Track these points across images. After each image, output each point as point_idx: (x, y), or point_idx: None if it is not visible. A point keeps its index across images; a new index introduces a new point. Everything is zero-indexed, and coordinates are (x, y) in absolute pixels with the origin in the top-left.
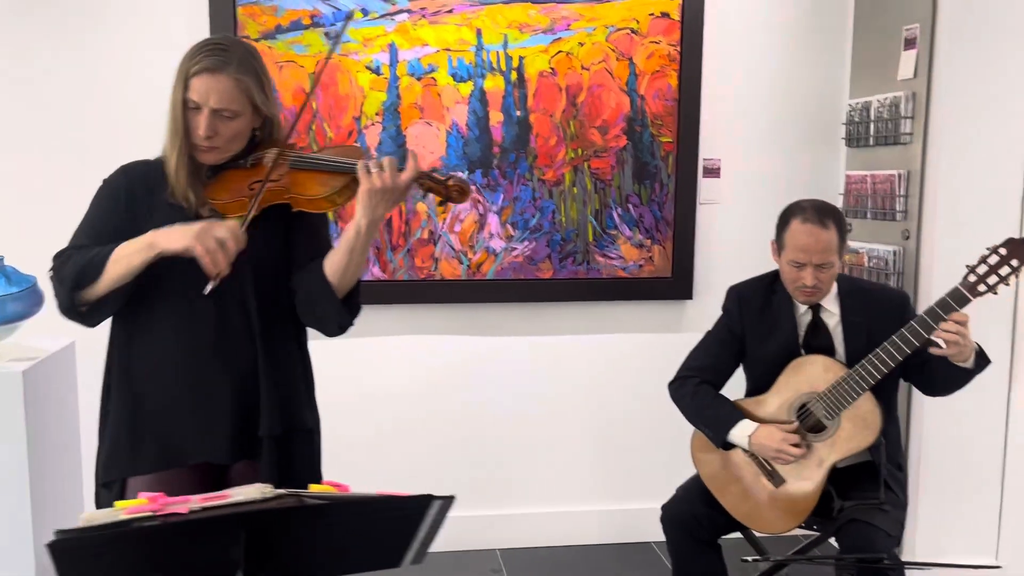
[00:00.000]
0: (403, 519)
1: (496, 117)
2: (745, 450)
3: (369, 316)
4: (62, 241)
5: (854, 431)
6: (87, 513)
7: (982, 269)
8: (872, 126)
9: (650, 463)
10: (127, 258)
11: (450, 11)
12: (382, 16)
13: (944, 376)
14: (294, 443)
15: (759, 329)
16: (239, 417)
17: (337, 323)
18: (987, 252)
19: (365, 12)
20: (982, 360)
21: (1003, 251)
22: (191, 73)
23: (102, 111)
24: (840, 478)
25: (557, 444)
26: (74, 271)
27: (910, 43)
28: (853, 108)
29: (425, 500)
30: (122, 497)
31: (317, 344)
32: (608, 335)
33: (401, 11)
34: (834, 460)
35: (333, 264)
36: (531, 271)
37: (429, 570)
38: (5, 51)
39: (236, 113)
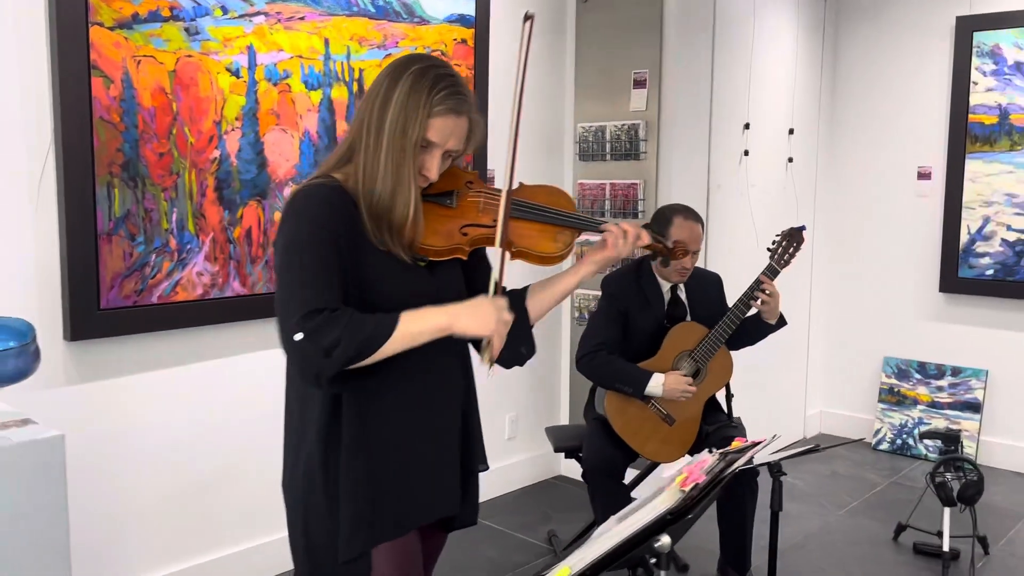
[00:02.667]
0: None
1: (342, 126)
2: (649, 400)
3: (236, 332)
4: None
5: (717, 374)
6: None
7: (779, 251)
8: (608, 145)
9: None
10: (415, 337)
11: (302, 18)
12: (241, 16)
13: (753, 331)
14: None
15: (636, 306)
16: (463, 462)
17: (529, 357)
18: (775, 239)
19: (225, 10)
20: (782, 321)
21: (781, 239)
22: (434, 112)
23: None
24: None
25: None
26: (352, 349)
27: (640, 83)
28: (586, 130)
29: None
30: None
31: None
32: None
33: (259, 13)
34: (707, 396)
35: (540, 307)
36: None
37: None
38: None
39: (460, 152)
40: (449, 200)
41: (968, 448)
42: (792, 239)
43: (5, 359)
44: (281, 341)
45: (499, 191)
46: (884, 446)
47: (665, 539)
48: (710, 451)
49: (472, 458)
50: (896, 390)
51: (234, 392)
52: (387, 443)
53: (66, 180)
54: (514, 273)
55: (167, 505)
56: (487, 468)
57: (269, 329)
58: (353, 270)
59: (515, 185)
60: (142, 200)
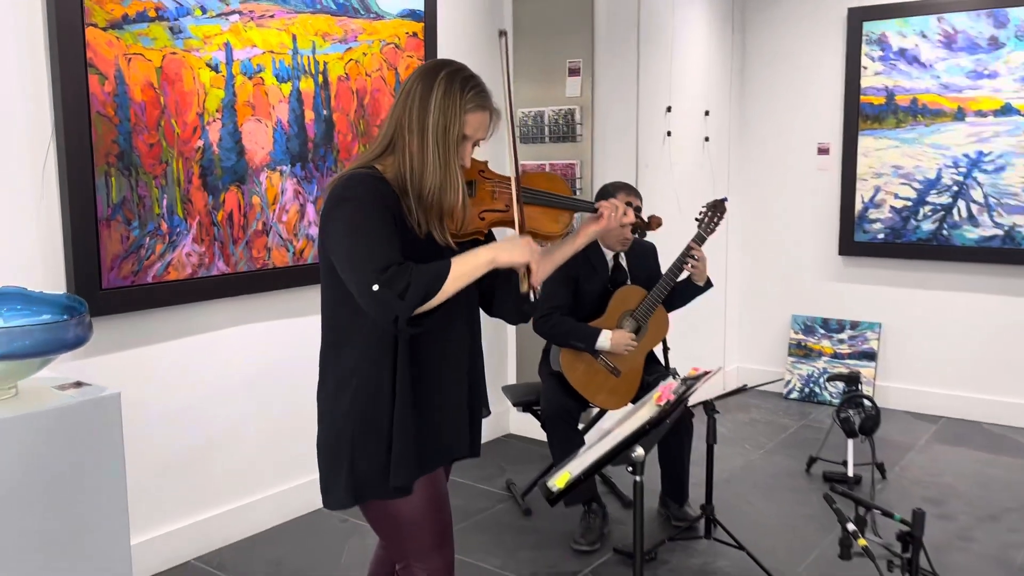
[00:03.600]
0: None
1: (309, 115)
2: (598, 354)
3: (222, 307)
4: None
5: (656, 330)
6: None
7: (705, 220)
8: (547, 128)
9: None
10: (469, 275)
11: (272, 16)
12: (218, 15)
13: (685, 293)
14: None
15: (584, 273)
16: (470, 404)
17: (530, 317)
18: (702, 210)
19: (204, 9)
20: (709, 283)
21: (707, 210)
22: (467, 109)
23: None
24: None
25: None
26: (421, 291)
27: (574, 72)
28: (526, 115)
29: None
30: (408, 493)
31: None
32: None
33: (233, 11)
34: (647, 350)
35: (543, 272)
36: None
37: None
38: None
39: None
40: (470, 191)
41: (866, 391)
42: (716, 209)
43: (68, 328)
44: (360, 295)
45: (507, 179)
46: (794, 395)
47: (639, 450)
48: (674, 377)
49: (478, 403)
50: (803, 344)
51: (223, 363)
52: (429, 390)
53: (68, 170)
54: None
55: (169, 467)
56: (489, 414)
57: (252, 304)
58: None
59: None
60: (136, 187)
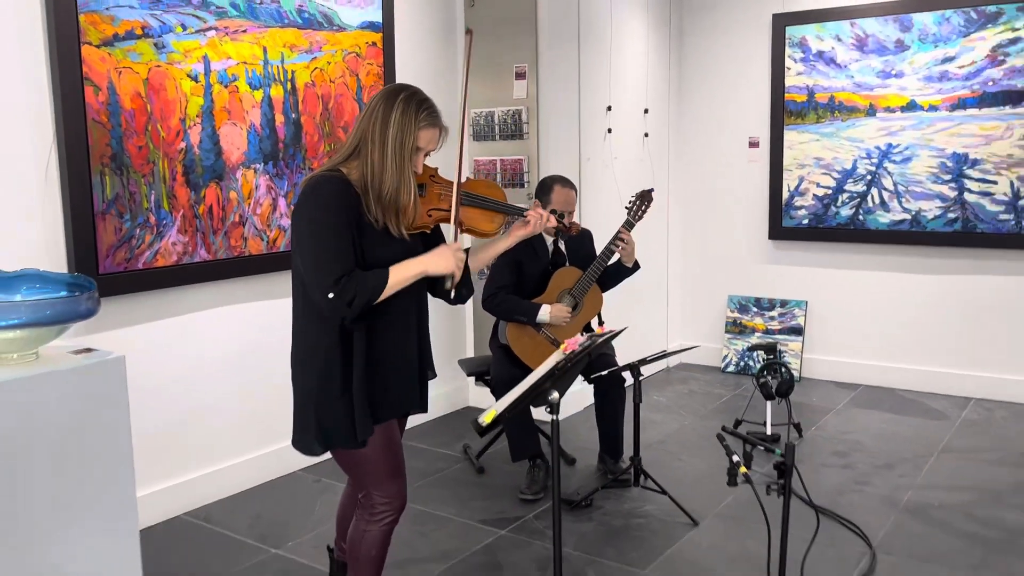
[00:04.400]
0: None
1: (279, 119)
2: (540, 327)
3: (204, 291)
4: None
5: (590, 306)
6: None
7: (634, 209)
8: (497, 127)
9: None
10: (404, 283)
11: (245, 31)
12: (197, 31)
13: (615, 274)
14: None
15: (527, 256)
16: (420, 370)
17: (469, 298)
18: (631, 199)
19: (184, 27)
20: (637, 265)
21: (635, 199)
22: (421, 126)
23: None
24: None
25: None
26: (364, 299)
27: (520, 75)
28: (478, 115)
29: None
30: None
31: (181, 319)
32: None
33: (210, 28)
34: (583, 323)
35: (478, 264)
36: None
37: None
38: None
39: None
40: (421, 192)
41: (793, 364)
42: (644, 199)
43: (80, 302)
44: (317, 296)
45: (451, 183)
46: (731, 368)
47: (555, 394)
48: (582, 335)
49: (425, 367)
50: (738, 322)
51: (208, 340)
52: (380, 358)
53: (68, 170)
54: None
55: (159, 433)
56: (435, 376)
57: (231, 288)
58: (358, 239)
59: (463, 179)
60: (127, 185)
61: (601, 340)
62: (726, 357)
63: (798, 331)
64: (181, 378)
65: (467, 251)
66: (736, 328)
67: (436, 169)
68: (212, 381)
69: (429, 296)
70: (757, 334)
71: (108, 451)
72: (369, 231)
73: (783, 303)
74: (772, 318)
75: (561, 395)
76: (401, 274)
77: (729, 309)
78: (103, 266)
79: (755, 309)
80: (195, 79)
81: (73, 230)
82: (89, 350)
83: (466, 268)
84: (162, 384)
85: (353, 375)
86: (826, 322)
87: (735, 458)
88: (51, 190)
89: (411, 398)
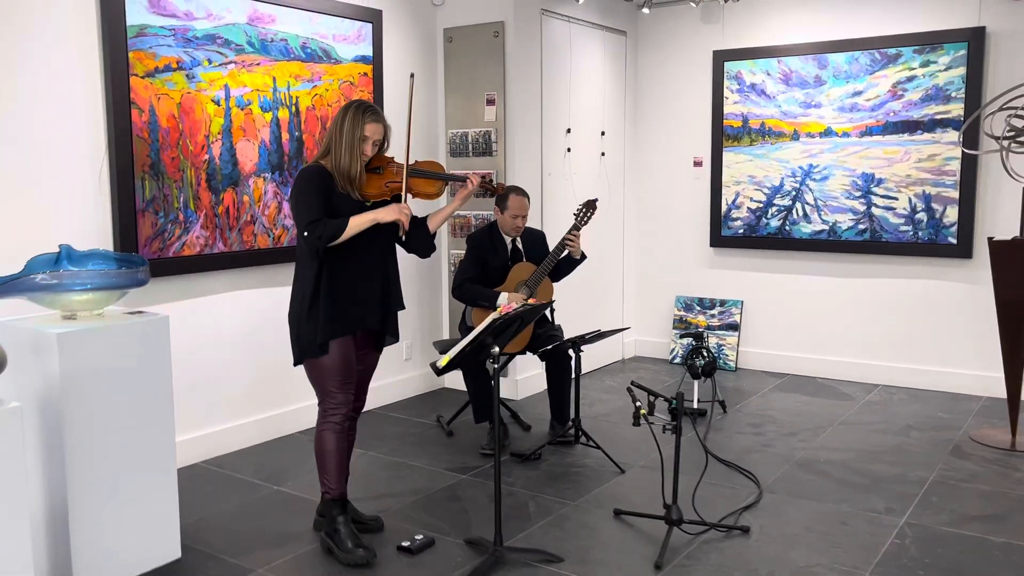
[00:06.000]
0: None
1: (285, 136)
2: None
3: (221, 277)
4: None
5: (543, 295)
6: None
7: (580, 215)
8: (471, 145)
9: None
10: (359, 227)
11: (259, 64)
12: (219, 64)
13: (565, 266)
14: (395, 315)
15: (490, 253)
16: (383, 303)
17: (432, 252)
18: (579, 207)
19: (210, 61)
20: (583, 256)
21: (582, 207)
22: (364, 121)
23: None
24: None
25: None
26: (327, 235)
27: (491, 101)
28: (455, 135)
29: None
30: (326, 352)
31: (202, 300)
32: None
33: (231, 62)
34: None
35: (434, 224)
36: None
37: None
38: None
39: (379, 142)
40: (379, 170)
41: (730, 356)
42: (589, 207)
43: (136, 273)
44: (298, 235)
45: (403, 165)
46: (677, 360)
47: (495, 348)
48: (518, 303)
49: (390, 301)
50: (684, 319)
51: (223, 316)
52: (343, 287)
53: (116, 176)
54: (417, 208)
55: (180, 394)
56: (403, 308)
57: (243, 275)
58: (329, 205)
59: (412, 161)
60: (162, 188)
61: (530, 309)
62: (673, 350)
63: (735, 327)
64: (200, 348)
65: (427, 217)
66: (682, 325)
67: (393, 157)
68: (226, 353)
69: (424, 295)
70: (700, 330)
71: (155, 388)
72: (343, 201)
73: (722, 302)
74: (713, 316)
75: (501, 349)
76: (357, 220)
77: (676, 308)
78: (141, 253)
79: (698, 308)
80: (217, 103)
81: (120, 225)
82: (141, 312)
83: (427, 229)
84: (184, 353)
85: (320, 299)
86: (759, 319)
87: (638, 404)
88: (103, 192)
89: (371, 317)
